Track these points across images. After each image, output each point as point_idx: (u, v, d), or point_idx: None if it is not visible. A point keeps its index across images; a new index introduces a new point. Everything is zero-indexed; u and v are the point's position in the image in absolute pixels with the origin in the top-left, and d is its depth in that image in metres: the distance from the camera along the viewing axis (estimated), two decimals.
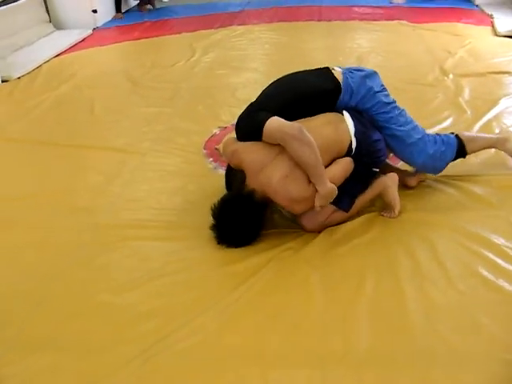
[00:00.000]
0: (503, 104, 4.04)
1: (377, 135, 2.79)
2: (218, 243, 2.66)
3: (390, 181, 2.82)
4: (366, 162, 2.72)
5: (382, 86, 2.95)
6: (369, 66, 4.95)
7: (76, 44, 6.62)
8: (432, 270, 2.40)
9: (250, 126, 2.71)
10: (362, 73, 2.92)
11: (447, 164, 3.00)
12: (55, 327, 2.24)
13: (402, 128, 2.88)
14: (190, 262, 2.59)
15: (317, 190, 2.56)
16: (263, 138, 2.63)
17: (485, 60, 5.02)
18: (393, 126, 2.87)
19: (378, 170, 2.79)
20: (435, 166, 2.98)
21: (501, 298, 2.23)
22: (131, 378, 1.97)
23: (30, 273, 2.57)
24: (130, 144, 3.80)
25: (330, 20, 6.92)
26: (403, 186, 2.99)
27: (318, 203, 2.58)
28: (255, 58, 5.70)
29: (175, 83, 4.99)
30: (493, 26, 6.06)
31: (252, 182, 2.62)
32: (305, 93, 2.80)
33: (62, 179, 3.42)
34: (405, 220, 2.76)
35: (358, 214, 2.81)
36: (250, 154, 2.65)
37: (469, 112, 3.93)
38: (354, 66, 3.37)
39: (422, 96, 4.32)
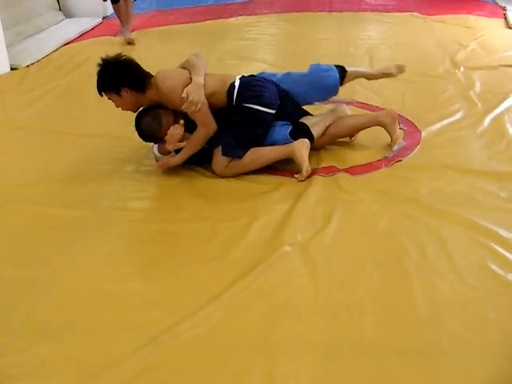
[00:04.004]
0: None
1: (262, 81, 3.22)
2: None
3: (299, 144, 3.07)
4: (248, 97, 3.09)
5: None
6: (379, 57, 4.99)
7: (86, 32, 6.59)
8: (440, 263, 2.39)
9: None
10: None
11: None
12: (62, 315, 2.23)
13: None
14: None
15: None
16: None
17: (497, 53, 4.98)
18: None
19: (263, 108, 3.08)
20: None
21: (509, 292, 2.21)
22: (138, 366, 1.96)
23: (36, 259, 2.57)
24: None
25: (341, 11, 6.88)
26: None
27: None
28: (265, 49, 5.68)
29: None
30: (505, 19, 6.01)
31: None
32: None
33: (69, 167, 3.41)
34: (413, 212, 2.75)
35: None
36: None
37: (479, 105, 3.90)
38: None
39: (431, 88, 4.29)
